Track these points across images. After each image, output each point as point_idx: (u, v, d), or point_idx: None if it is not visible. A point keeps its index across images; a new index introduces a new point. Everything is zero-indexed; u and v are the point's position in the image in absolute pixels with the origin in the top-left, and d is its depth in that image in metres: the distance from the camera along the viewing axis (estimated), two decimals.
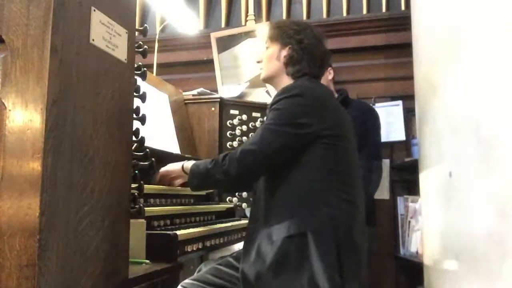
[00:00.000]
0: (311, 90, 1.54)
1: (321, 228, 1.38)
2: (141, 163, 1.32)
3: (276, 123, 1.47)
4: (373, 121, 2.60)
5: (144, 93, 1.32)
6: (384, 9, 3.28)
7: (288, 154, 1.46)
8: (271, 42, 1.70)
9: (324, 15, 3.38)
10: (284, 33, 1.65)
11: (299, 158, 1.46)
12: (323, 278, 1.32)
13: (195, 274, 1.73)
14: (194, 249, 1.58)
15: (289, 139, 1.45)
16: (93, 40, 0.97)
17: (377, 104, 3.14)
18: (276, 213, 1.45)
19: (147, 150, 1.36)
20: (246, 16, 3.38)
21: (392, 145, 3.19)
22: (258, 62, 1.76)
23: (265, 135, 1.47)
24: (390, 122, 3.10)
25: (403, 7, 3.21)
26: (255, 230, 1.49)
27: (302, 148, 1.46)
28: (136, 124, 1.23)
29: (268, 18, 3.50)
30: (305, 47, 1.62)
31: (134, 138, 1.24)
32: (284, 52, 1.64)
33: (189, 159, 1.84)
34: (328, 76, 2.64)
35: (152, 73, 2.55)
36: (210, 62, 3.24)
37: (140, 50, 1.31)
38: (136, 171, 1.29)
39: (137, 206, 1.23)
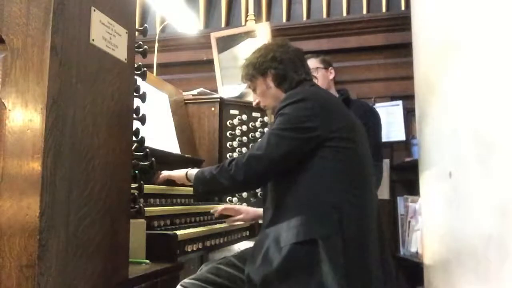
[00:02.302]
0: (314, 94, 1.55)
1: (331, 233, 1.36)
2: (141, 163, 1.32)
3: (282, 128, 1.47)
4: (374, 121, 2.59)
5: (144, 93, 1.32)
6: (384, 9, 3.27)
7: (295, 159, 1.46)
8: (253, 82, 1.73)
9: (324, 15, 3.38)
10: (256, 65, 1.69)
11: (307, 162, 1.45)
12: (333, 284, 1.30)
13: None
14: (194, 249, 1.58)
15: (296, 143, 1.45)
16: (93, 40, 0.97)
17: (377, 104, 3.14)
18: (284, 219, 1.43)
19: (147, 150, 1.36)
20: (246, 16, 3.38)
21: (392, 145, 3.18)
22: (258, 104, 1.78)
23: (271, 141, 1.47)
24: (390, 122, 3.09)
25: (403, 7, 3.20)
26: (263, 236, 1.47)
27: (309, 152, 1.45)
28: (136, 124, 1.23)
29: (268, 18, 3.50)
30: (280, 60, 1.65)
31: (134, 138, 1.24)
32: (269, 78, 1.67)
33: (188, 159, 1.84)
34: (329, 76, 2.64)
35: (152, 73, 2.55)
36: (210, 62, 3.24)
37: (140, 50, 1.31)
38: (136, 171, 1.29)
39: (137, 206, 1.24)
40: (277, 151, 1.45)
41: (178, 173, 1.76)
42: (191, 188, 1.82)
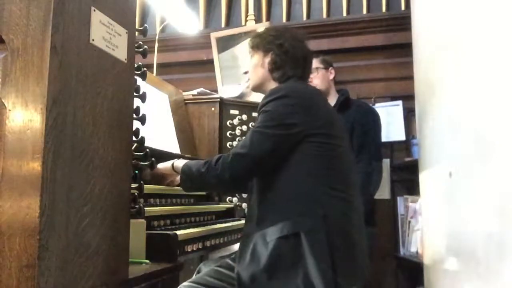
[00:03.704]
0: (296, 90, 1.57)
1: (314, 227, 1.38)
2: (141, 163, 1.32)
3: (265, 126, 1.48)
4: (374, 122, 2.59)
5: (144, 93, 1.32)
6: (384, 9, 3.28)
7: (279, 155, 1.47)
8: (254, 51, 1.74)
9: (324, 15, 3.38)
10: (265, 40, 1.70)
11: (290, 158, 1.46)
12: (318, 277, 1.32)
13: (194, 275, 1.73)
14: (194, 249, 1.58)
15: (279, 140, 1.46)
16: (93, 40, 0.97)
17: (377, 104, 3.14)
18: (269, 214, 1.45)
19: (147, 150, 1.36)
20: (246, 16, 3.39)
21: (392, 145, 3.19)
22: (245, 72, 1.78)
23: (255, 138, 1.48)
24: (390, 122, 3.10)
25: (403, 7, 3.21)
26: (250, 232, 1.49)
27: (292, 148, 1.47)
28: (136, 124, 1.23)
29: (268, 18, 3.50)
30: (286, 51, 1.65)
31: (134, 138, 1.24)
32: (267, 59, 1.68)
33: (188, 159, 1.83)
34: (329, 76, 2.64)
35: (152, 73, 2.55)
36: (210, 62, 3.24)
37: (140, 50, 1.31)
38: (136, 171, 1.29)
39: (137, 206, 1.23)
40: (261, 149, 1.47)
41: (164, 165, 1.74)
42: None
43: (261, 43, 1.71)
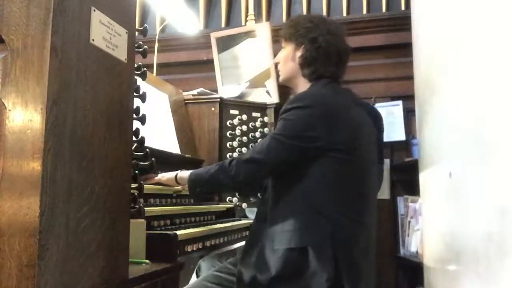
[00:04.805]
0: (323, 100, 1.49)
1: (321, 243, 1.36)
2: (141, 163, 1.33)
3: (283, 134, 1.44)
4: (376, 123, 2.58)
5: (144, 93, 1.32)
6: (384, 9, 3.28)
7: (295, 165, 1.45)
8: (286, 42, 1.65)
9: (324, 15, 3.38)
10: (297, 32, 1.59)
11: (308, 170, 1.43)
12: None
13: (194, 272, 1.73)
14: (194, 249, 1.58)
15: (295, 151, 1.43)
16: (93, 40, 0.97)
17: (377, 104, 3.13)
18: (280, 220, 1.43)
19: (147, 150, 1.37)
20: (246, 16, 3.38)
21: (392, 145, 3.18)
22: (276, 63, 1.73)
23: (272, 146, 1.45)
24: (390, 122, 3.09)
25: (403, 7, 3.21)
26: (259, 232, 1.47)
27: (311, 160, 1.43)
28: (136, 124, 1.23)
29: (268, 18, 3.50)
30: (319, 46, 1.55)
31: (134, 138, 1.24)
32: (299, 53, 1.59)
33: (188, 159, 1.84)
34: None
35: (152, 73, 2.55)
36: (210, 62, 3.24)
37: (140, 50, 1.31)
38: (136, 171, 1.29)
39: (137, 206, 1.24)
40: (276, 156, 1.45)
41: (167, 176, 1.72)
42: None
43: (293, 34, 1.60)
